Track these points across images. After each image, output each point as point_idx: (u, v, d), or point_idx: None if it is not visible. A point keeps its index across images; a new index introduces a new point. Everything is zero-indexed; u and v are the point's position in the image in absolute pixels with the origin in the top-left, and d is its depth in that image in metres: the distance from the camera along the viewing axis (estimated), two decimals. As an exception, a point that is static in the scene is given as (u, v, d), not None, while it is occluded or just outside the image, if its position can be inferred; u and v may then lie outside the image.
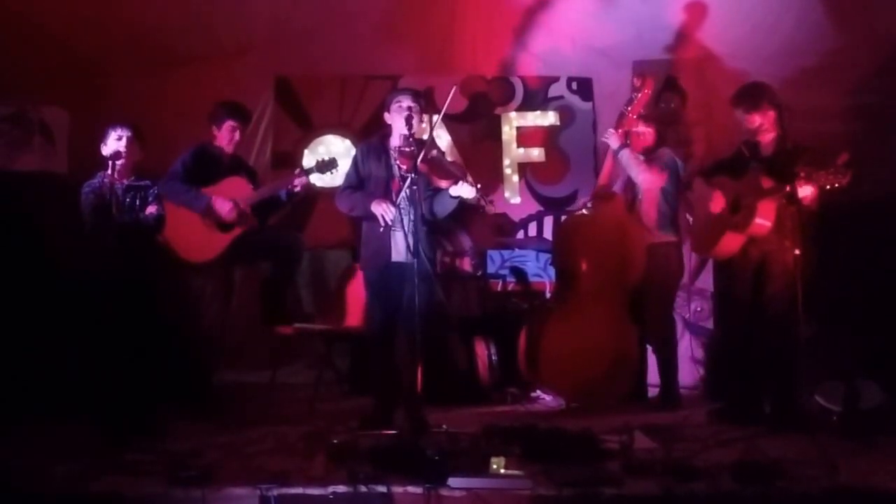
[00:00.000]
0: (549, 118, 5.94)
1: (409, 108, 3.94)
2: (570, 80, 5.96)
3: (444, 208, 3.99)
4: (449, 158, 4.23)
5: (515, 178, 5.91)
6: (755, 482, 2.80)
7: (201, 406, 4.26)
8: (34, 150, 4.72)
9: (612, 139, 4.50)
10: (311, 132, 5.93)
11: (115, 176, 4.15)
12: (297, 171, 4.44)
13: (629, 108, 4.43)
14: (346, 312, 5.00)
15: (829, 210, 4.04)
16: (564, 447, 3.18)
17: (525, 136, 5.95)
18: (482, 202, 3.81)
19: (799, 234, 3.60)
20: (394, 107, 4.01)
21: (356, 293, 4.94)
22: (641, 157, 4.50)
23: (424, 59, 5.81)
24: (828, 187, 3.61)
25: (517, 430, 3.37)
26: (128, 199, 4.29)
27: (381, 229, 3.88)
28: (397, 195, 3.93)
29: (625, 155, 4.46)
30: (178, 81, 5.55)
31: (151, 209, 4.27)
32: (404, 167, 3.88)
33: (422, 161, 3.74)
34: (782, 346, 3.98)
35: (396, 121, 4.00)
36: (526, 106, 5.95)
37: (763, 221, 3.92)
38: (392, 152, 4.03)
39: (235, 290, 4.70)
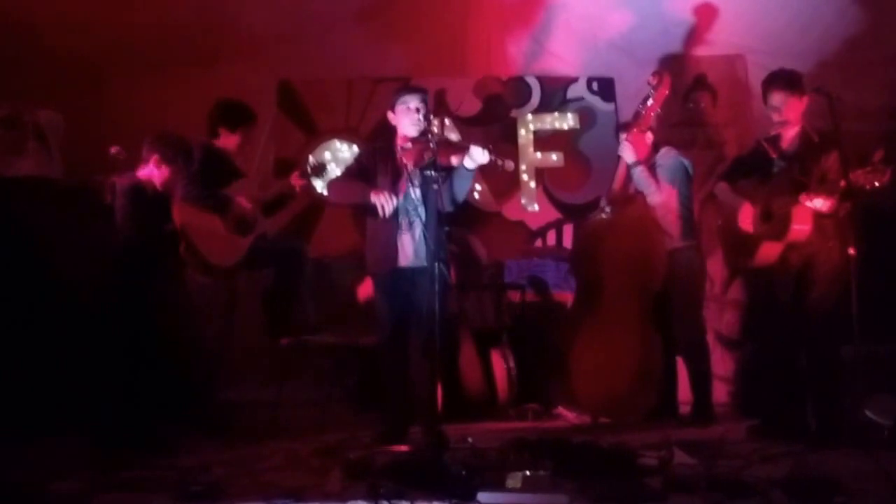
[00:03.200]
0: (569, 120, 5.88)
1: (417, 110, 3.94)
2: (590, 80, 5.91)
3: (463, 187, 4.00)
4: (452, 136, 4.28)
5: (533, 184, 5.83)
6: (811, 498, 2.71)
7: (205, 423, 4.19)
8: (28, 154, 4.68)
9: (627, 153, 4.45)
10: (315, 138, 5.88)
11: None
12: (297, 173, 4.57)
13: (645, 107, 4.39)
14: (354, 325, 4.95)
15: (868, 213, 3.99)
16: (599, 462, 3.08)
17: (543, 140, 5.88)
18: (498, 161, 3.82)
19: (849, 231, 3.55)
20: (400, 108, 3.99)
21: (365, 304, 4.90)
22: (654, 176, 4.44)
23: (436, 59, 5.76)
24: (867, 187, 3.55)
25: (548, 444, 3.28)
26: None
27: (381, 221, 3.89)
28: (405, 195, 3.95)
29: (637, 172, 4.42)
30: (178, 86, 5.51)
31: (171, 226, 4.20)
32: (410, 165, 3.88)
33: (430, 149, 3.73)
34: (828, 355, 3.91)
35: (402, 122, 4.00)
36: (543, 108, 5.89)
37: (801, 226, 3.85)
38: (398, 152, 4.01)
39: (237, 302, 4.64)
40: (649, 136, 4.54)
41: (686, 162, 4.52)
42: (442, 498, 2.74)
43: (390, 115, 4.06)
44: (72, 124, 4.90)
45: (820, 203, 3.74)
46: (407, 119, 3.96)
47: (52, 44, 5.10)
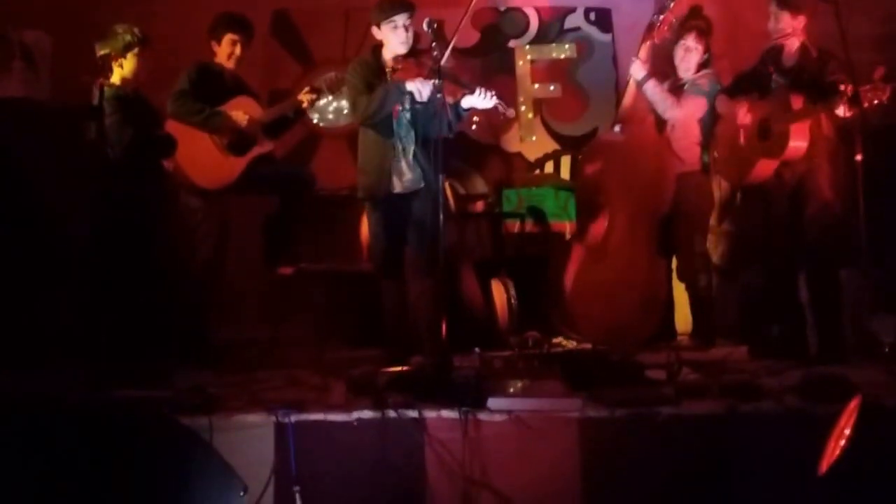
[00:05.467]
0: (566, 51, 5.65)
1: (406, 28, 3.69)
2: (587, 10, 5.66)
3: (454, 123, 3.77)
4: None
5: (531, 115, 5.63)
6: (826, 400, 2.57)
7: (198, 354, 3.99)
8: (14, 75, 4.43)
9: (637, 68, 4.22)
10: (312, 68, 5.64)
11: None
12: (307, 88, 4.24)
13: (661, 18, 4.17)
14: (351, 255, 4.78)
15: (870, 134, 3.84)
16: (609, 373, 2.94)
17: (540, 71, 5.65)
18: (500, 108, 3.63)
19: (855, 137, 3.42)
20: (386, 26, 3.72)
21: (363, 235, 4.73)
22: (667, 90, 4.24)
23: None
24: (865, 105, 3.45)
25: (556, 355, 3.13)
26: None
27: (373, 146, 3.71)
28: (397, 120, 3.74)
29: (650, 87, 4.19)
30: (168, 13, 5.24)
31: (163, 131, 3.96)
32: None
33: (426, 69, 3.54)
34: (827, 274, 3.82)
35: (389, 39, 3.74)
36: (541, 38, 5.65)
37: (798, 143, 3.75)
38: (388, 72, 3.77)
39: (230, 231, 4.41)
40: (700, 51, 4.30)
41: (719, 82, 4.30)
42: (451, 406, 2.60)
43: (375, 30, 3.79)
44: (59, 46, 4.64)
45: (843, 111, 3.57)
46: (394, 37, 3.72)
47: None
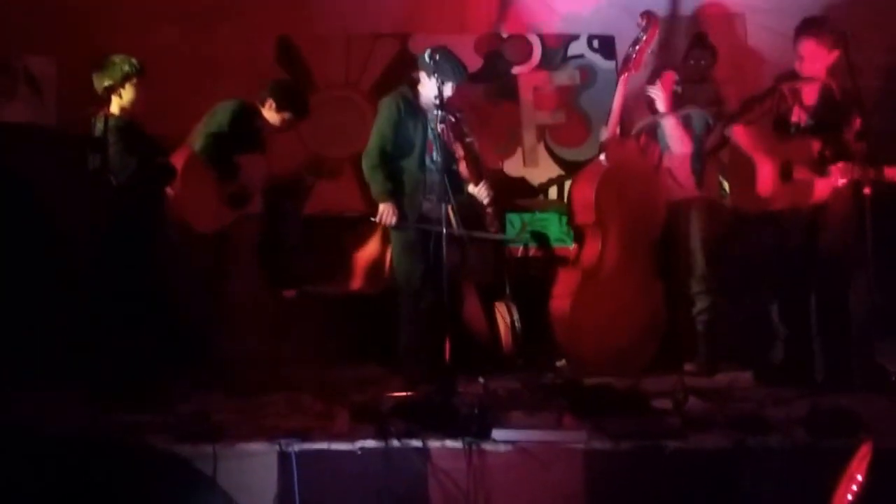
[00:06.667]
0: (569, 78, 5.65)
1: (454, 89, 3.93)
2: (591, 37, 5.65)
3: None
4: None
5: (534, 140, 5.62)
6: (834, 435, 2.52)
7: (202, 375, 3.95)
8: (20, 100, 4.43)
9: (660, 100, 4.24)
10: (315, 94, 5.63)
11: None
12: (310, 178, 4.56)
13: (635, 50, 4.21)
14: (353, 276, 4.77)
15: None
16: (614, 403, 2.89)
17: (543, 97, 5.64)
18: (488, 211, 4.12)
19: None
20: (438, 82, 3.75)
21: (365, 256, 4.72)
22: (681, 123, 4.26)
23: (437, 15, 5.51)
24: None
25: (560, 385, 3.09)
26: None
27: (408, 175, 3.99)
28: (430, 154, 4.00)
29: (670, 124, 4.22)
30: (174, 39, 5.23)
31: (163, 159, 3.94)
32: (439, 131, 3.86)
33: (460, 141, 3.93)
34: (837, 301, 3.77)
35: (432, 90, 3.86)
36: (544, 65, 5.63)
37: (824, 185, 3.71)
38: (432, 117, 3.92)
39: (231, 254, 4.39)
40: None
41: (710, 119, 4.31)
42: (455, 436, 2.56)
43: (423, 75, 3.98)
44: (65, 72, 4.64)
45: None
46: (437, 91, 3.82)
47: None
